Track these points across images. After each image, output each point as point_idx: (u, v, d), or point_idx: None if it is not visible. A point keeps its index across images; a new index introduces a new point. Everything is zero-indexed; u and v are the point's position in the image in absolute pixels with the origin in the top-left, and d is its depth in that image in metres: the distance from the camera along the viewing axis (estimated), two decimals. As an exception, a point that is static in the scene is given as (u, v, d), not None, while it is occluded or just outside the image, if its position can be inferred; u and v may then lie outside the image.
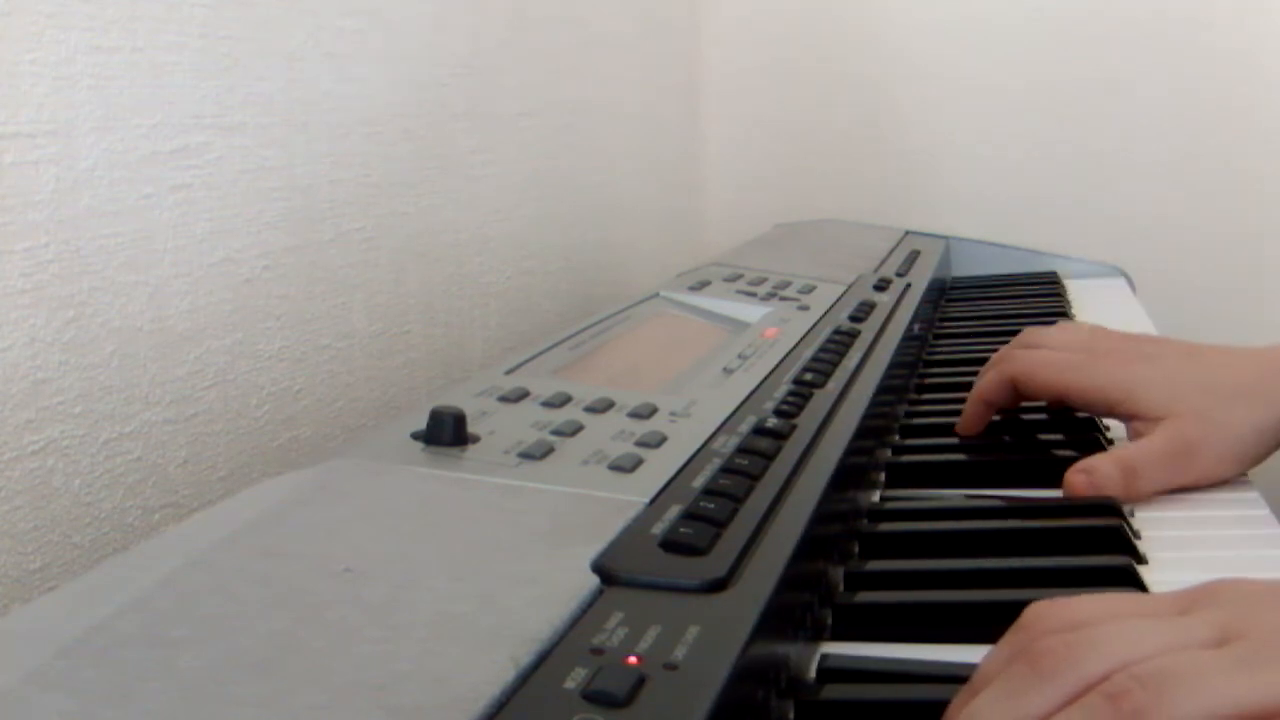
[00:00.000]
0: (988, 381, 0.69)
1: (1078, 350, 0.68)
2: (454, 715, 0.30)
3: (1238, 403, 0.62)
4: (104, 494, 0.59)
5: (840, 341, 0.73)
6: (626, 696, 0.31)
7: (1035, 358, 0.68)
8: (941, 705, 0.41)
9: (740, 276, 0.92)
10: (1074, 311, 1.07)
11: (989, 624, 0.47)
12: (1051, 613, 0.36)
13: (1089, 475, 0.61)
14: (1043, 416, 0.71)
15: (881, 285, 0.94)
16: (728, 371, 0.64)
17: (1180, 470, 0.61)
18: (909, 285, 0.97)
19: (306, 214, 0.74)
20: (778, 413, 0.57)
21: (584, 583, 0.38)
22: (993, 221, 1.44)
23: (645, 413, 0.55)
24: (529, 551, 0.40)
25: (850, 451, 0.56)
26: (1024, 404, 0.71)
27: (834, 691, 0.42)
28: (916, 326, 0.89)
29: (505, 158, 1.00)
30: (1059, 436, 0.70)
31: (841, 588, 0.51)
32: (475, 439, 0.50)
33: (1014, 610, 0.47)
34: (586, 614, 0.36)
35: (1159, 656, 0.33)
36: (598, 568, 0.39)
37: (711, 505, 0.44)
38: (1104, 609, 0.36)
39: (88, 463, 0.58)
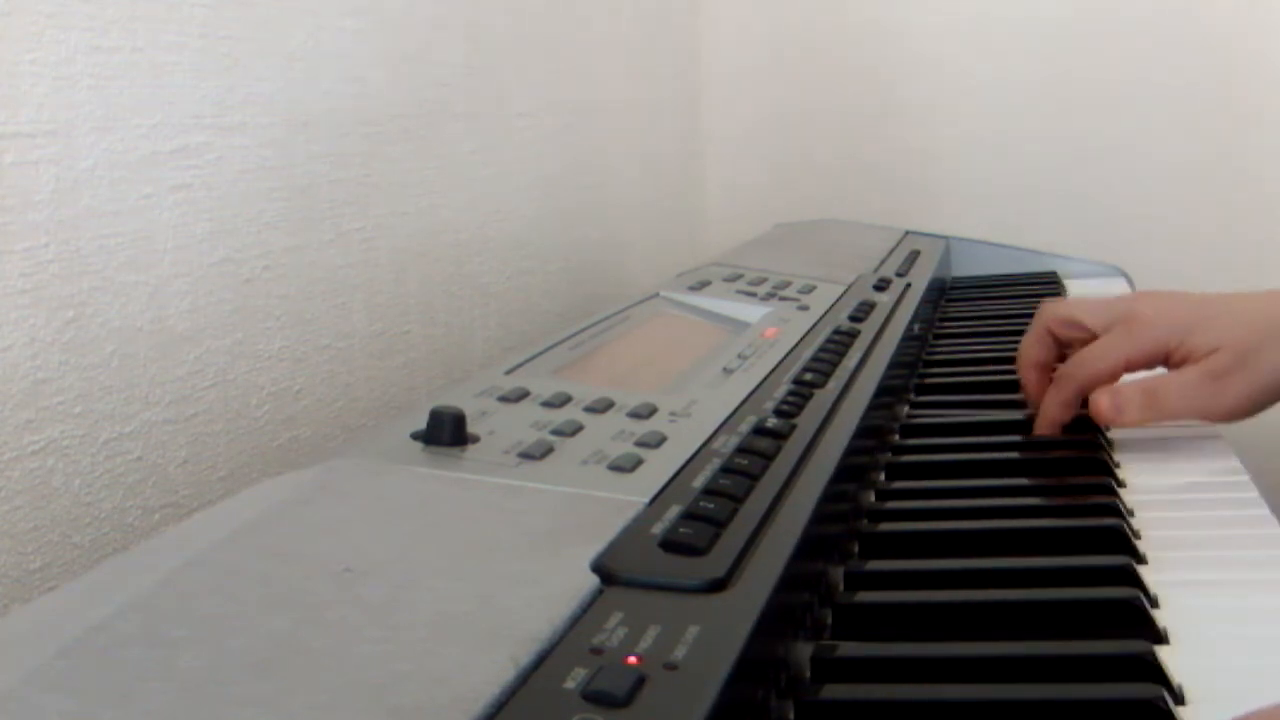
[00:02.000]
0: (1059, 407, 0.69)
1: (1115, 322, 0.69)
2: (454, 715, 0.30)
3: (1267, 344, 0.64)
4: (104, 494, 0.59)
5: (840, 341, 0.73)
6: (626, 696, 0.31)
7: (1085, 356, 0.68)
8: (941, 705, 0.41)
9: (740, 276, 0.92)
10: (1074, 311, 1.07)
11: (989, 624, 0.47)
12: None
13: (1113, 396, 0.65)
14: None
15: (881, 285, 0.94)
16: (728, 371, 0.64)
17: (1207, 399, 0.65)
18: (909, 285, 0.97)
19: (306, 214, 0.74)
20: (778, 413, 0.57)
21: (584, 583, 0.38)
22: (993, 221, 1.44)
23: (645, 413, 0.55)
24: (529, 551, 0.40)
25: (850, 451, 0.56)
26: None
27: (834, 691, 0.42)
28: (916, 326, 0.89)
29: (505, 158, 1.00)
30: (1058, 436, 0.70)
31: (841, 588, 0.51)
32: (475, 439, 0.50)
33: (1014, 610, 0.48)
34: (586, 614, 0.36)
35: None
36: (597, 568, 0.39)
37: (711, 505, 0.44)
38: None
39: (88, 463, 0.58)
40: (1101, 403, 0.66)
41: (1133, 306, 0.70)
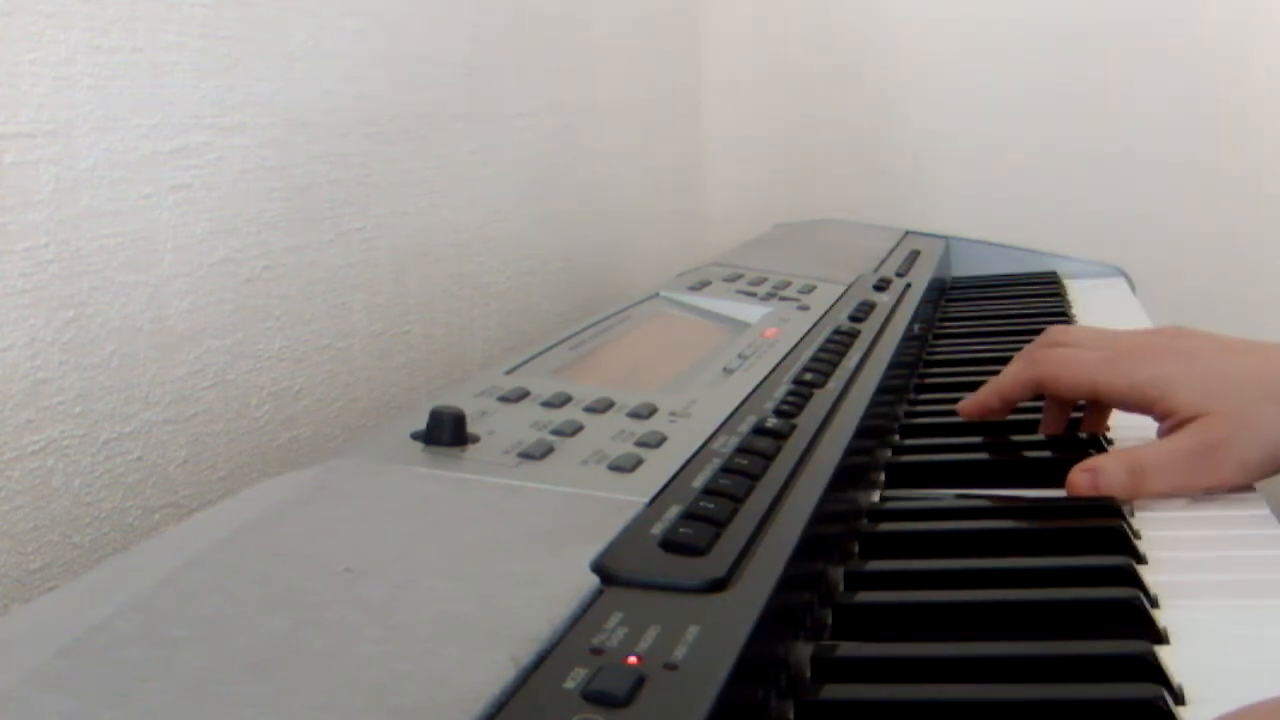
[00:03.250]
0: (1009, 380, 0.66)
1: (1107, 348, 0.65)
2: (454, 715, 0.30)
3: (1271, 403, 0.59)
4: (104, 494, 0.59)
5: (840, 341, 0.73)
6: (626, 696, 0.31)
7: (1063, 356, 0.65)
8: (941, 705, 0.41)
9: (740, 276, 0.92)
10: (1074, 311, 1.07)
11: (989, 624, 0.47)
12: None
13: (1094, 475, 0.59)
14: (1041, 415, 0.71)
15: (881, 285, 0.94)
16: (728, 371, 0.64)
17: (1197, 473, 0.59)
18: (909, 285, 0.97)
19: (306, 214, 0.74)
20: (778, 413, 0.57)
21: (584, 583, 0.38)
22: (993, 221, 1.44)
23: (645, 413, 0.55)
24: (529, 551, 0.40)
25: (850, 451, 0.56)
26: (1021, 403, 0.70)
27: (834, 691, 0.42)
28: (916, 326, 0.89)
29: (505, 158, 1.00)
30: (1060, 435, 0.70)
31: (841, 588, 0.51)
32: (475, 439, 0.50)
33: (1014, 610, 0.48)
34: (586, 614, 0.36)
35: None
36: (598, 568, 0.39)
37: (711, 505, 0.44)
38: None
39: (88, 463, 0.58)
40: (1081, 482, 0.59)
41: (1128, 340, 0.66)
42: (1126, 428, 0.68)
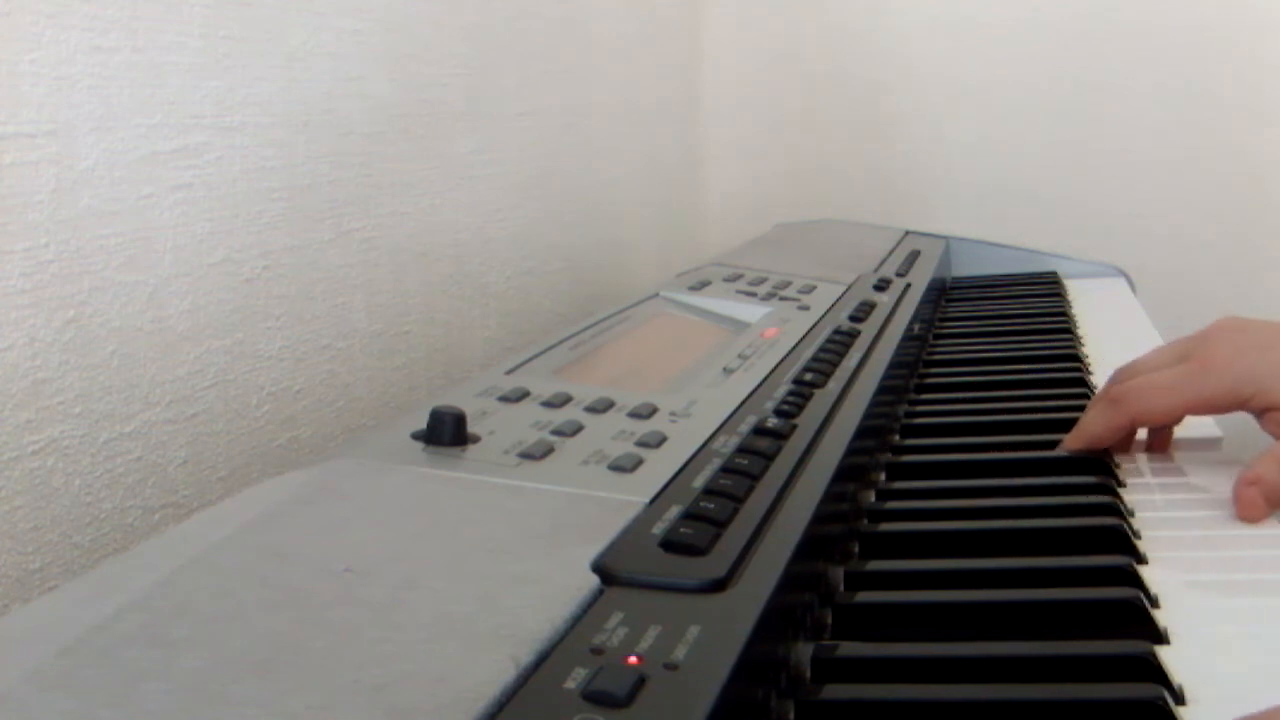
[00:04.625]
0: (1100, 428, 0.65)
1: (1180, 361, 0.65)
2: (454, 715, 0.30)
3: None
4: (104, 494, 0.59)
5: (840, 341, 0.73)
6: (627, 696, 0.31)
7: (1143, 388, 0.64)
8: (941, 705, 0.41)
9: (740, 276, 0.92)
10: (1074, 311, 1.07)
11: (989, 624, 0.47)
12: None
13: (1261, 485, 0.58)
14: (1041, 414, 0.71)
15: (881, 285, 0.94)
16: (728, 371, 0.64)
17: None
18: (909, 285, 0.97)
19: (306, 214, 0.74)
20: (778, 413, 0.57)
21: (584, 583, 0.38)
22: (993, 221, 1.44)
23: (645, 413, 0.55)
24: (529, 551, 0.40)
25: (850, 451, 0.56)
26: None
27: (834, 691, 0.42)
28: (916, 326, 0.89)
29: (505, 158, 1.00)
30: (1058, 436, 0.70)
31: (841, 588, 0.51)
32: (475, 439, 0.50)
33: (1014, 610, 0.48)
34: (587, 614, 0.36)
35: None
36: (598, 568, 0.39)
37: (711, 505, 0.44)
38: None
39: (88, 463, 0.58)
40: (1250, 496, 0.58)
41: (1204, 347, 0.65)
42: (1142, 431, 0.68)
